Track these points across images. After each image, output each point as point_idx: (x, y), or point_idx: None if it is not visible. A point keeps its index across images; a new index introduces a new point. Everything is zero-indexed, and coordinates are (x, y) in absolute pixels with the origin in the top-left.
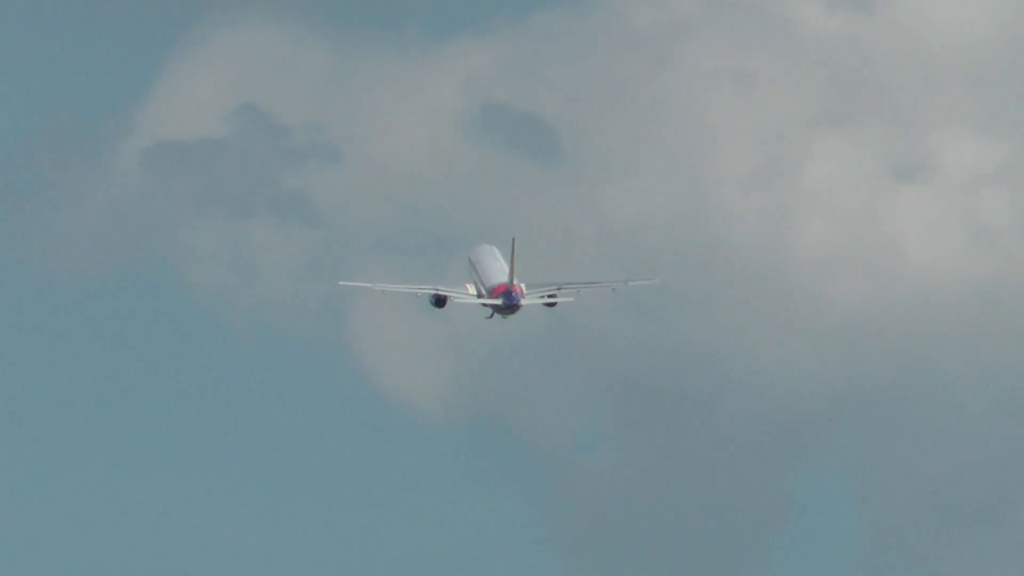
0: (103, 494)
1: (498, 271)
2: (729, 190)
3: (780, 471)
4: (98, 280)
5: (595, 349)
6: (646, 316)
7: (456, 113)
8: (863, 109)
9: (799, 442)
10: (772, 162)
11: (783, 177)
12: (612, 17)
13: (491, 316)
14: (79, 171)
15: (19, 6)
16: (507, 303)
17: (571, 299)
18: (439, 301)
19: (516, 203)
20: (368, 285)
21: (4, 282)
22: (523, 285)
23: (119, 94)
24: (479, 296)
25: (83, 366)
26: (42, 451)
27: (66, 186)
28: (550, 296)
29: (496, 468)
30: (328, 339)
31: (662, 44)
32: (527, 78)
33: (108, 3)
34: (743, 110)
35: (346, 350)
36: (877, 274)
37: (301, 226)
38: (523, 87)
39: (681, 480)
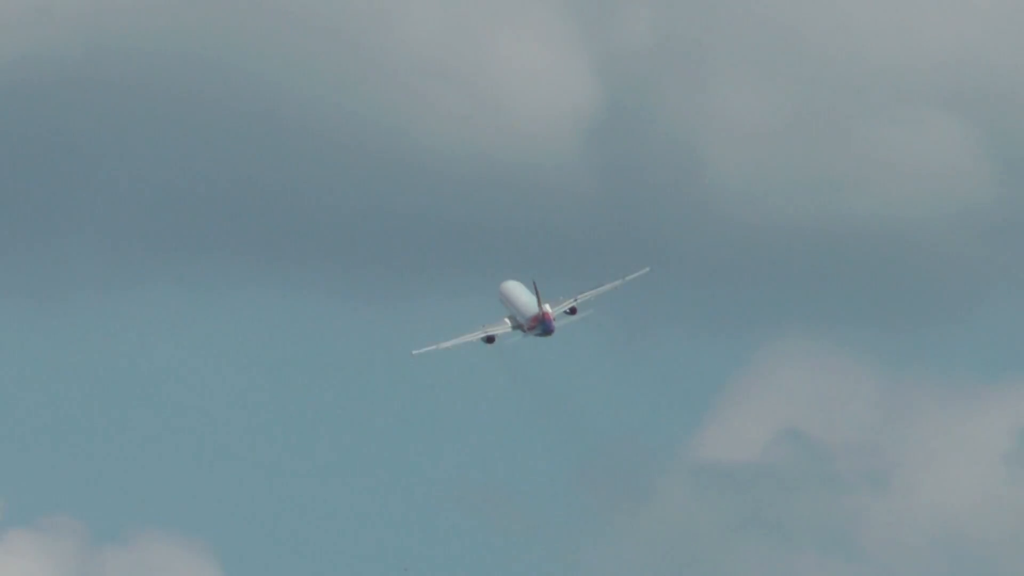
0: None
1: (530, 304)
2: None
3: None
4: None
5: None
6: None
7: (1004, 452)
8: None
9: None
10: None
11: None
12: None
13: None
14: (629, 494)
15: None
16: (544, 330)
17: (591, 311)
18: (489, 339)
19: None
20: (434, 347)
21: None
22: (549, 307)
23: (671, 418)
24: (516, 327)
25: None
26: None
27: (616, 508)
28: (571, 309)
29: None
30: None
31: None
32: None
33: (680, 335)
34: None
35: None
36: None
37: (844, 557)
38: None
39: None
